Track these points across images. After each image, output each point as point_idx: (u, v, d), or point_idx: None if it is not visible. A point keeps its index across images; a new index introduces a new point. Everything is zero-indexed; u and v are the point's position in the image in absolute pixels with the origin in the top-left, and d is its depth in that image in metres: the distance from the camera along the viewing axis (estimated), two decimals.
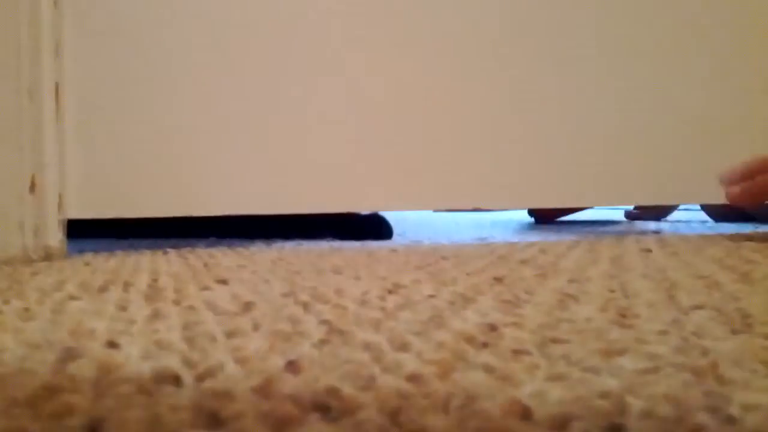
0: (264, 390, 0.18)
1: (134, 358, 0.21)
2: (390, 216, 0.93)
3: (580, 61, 0.78)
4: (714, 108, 0.79)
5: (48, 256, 0.63)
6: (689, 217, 1.62)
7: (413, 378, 0.19)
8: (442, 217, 1.75)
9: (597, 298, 0.33)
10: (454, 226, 1.27)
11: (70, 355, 0.22)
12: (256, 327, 0.27)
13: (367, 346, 0.23)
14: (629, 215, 1.49)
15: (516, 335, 0.25)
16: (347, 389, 0.18)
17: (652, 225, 1.27)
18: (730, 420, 0.16)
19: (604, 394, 0.17)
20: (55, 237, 0.64)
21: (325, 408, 0.17)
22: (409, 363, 0.21)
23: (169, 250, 0.70)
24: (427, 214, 1.95)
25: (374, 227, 0.90)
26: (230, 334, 0.25)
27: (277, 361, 0.21)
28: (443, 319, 0.28)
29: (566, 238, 0.83)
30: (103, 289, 0.39)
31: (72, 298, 0.36)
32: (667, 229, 1.07)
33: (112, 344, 0.24)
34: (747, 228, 1.01)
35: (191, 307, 0.32)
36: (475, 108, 0.77)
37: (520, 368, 0.20)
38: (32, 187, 0.63)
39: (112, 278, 0.44)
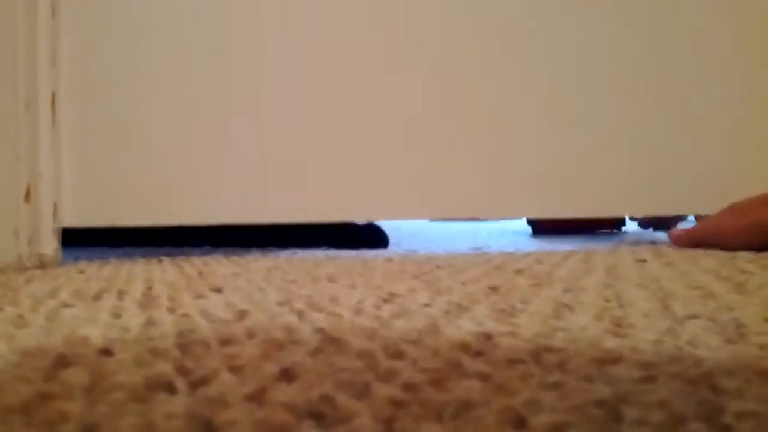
0: (258, 398, 0.18)
1: (128, 366, 0.21)
2: (385, 225, 0.93)
3: (578, 71, 0.78)
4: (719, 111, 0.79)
5: (42, 264, 0.63)
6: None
7: (408, 386, 0.19)
8: (438, 227, 1.75)
9: (592, 307, 0.33)
10: (450, 236, 1.27)
11: (63, 362, 0.22)
12: (250, 335, 0.27)
13: (362, 355, 0.23)
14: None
15: (511, 344, 0.25)
16: (342, 397, 0.18)
17: (647, 235, 1.27)
18: (725, 429, 0.16)
19: (599, 403, 0.17)
20: (50, 245, 0.64)
21: (320, 416, 0.17)
22: (404, 371, 0.21)
23: (163, 258, 0.70)
24: (423, 224, 1.95)
25: (370, 236, 0.90)
26: (224, 342, 0.25)
27: (272, 369, 0.21)
28: (438, 327, 0.28)
29: (562, 247, 0.83)
30: (97, 296, 0.39)
31: (66, 305, 0.35)
32: (662, 239, 1.07)
33: (106, 351, 0.23)
34: None
35: (185, 315, 0.32)
36: (470, 118, 0.77)
37: (514, 377, 0.20)
38: (27, 196, 0.63)
39: (106, 286, 0.44)
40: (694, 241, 0.73)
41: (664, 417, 0.16)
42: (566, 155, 0.78)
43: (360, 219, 0.84)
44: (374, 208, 0.78)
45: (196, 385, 0.19)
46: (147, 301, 0.37)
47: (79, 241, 0.78)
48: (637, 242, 0.94)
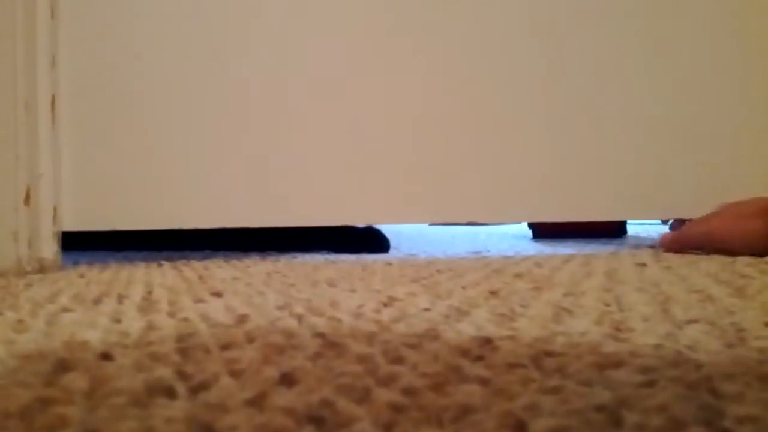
0: (258, 402, 0.18)
1: (128, 370, 0.21)
2: (385, 229, 0.93)
3: (579, 74, 0.78)
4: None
5: (42, 268, 0.63)
6: None
7: (408, 391, 0.19)
8: (438, 231, 1.75)
9: (592, 311, 0.33)
10: (450, 240, 1.27)
11: (63, 366, 0.22)
12: (250, 339, 0.27)
13: (362, 359, 0.23)
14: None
15: (511, 348, 0.25)
16: (342, 402, 0.18)
17: (647, 239, 1.27)
18: None
19: (599, 407, 0.17)
20: (50, 249, 0.64)
21: (320, 420, 0.17)
22: (404, 376, 0.21)
23: (163, 262, 0.70)
24: (423, 228, 1.95)
25: (370, 240, 0.90)
26: (225, 347, 0.25)
27: (272, 374, 0.21)
28: (438, 332, 0.28)
29: (562, 251, 0.83)
30: (97, 301, 0.39)
31: (66, 310, 0.35)
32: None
33: (106, 356, 0.23)
34: None
35: (186, 320, 0.32)
36: (471, 122, 0.77)
37: (514, 381, 0.20)
38: (27, 199, 0.63)
39: (106, 290, 0.44)
40: (684, 244, 0.73)
41: (664, 421, 0.16)
42: (567, 159, 0.78)
43: (360, 223, 0.85)
44: (374, 212, 0.78)
45: (196, 389, 0.19)
46: (147, 305, 0.37)
47: (79, 244, 0.78)
48: (637, 246, 0.94)
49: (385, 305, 0.36)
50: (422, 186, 0.77)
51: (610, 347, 0.25)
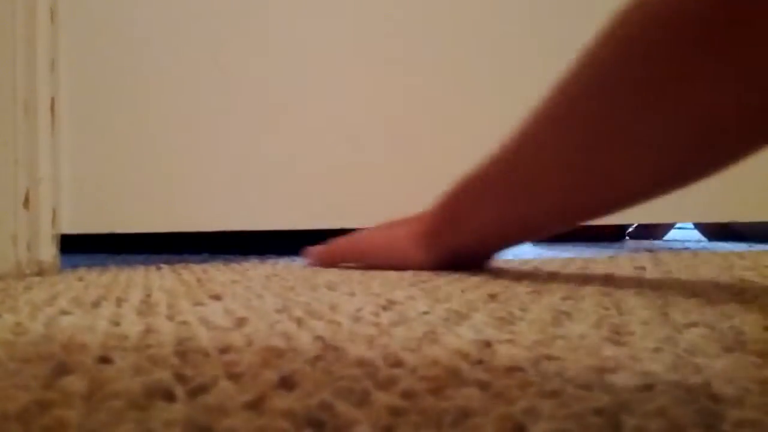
0: (257, 405, 0.18)
1: (127, 373, 0.21)
2: None
3: None
4: None
5: (41, 271, 0.63)
6: (684, 236, 1.62)
7: (407, 394, 0.19)
8: None
9: (591, 315, 0.33)
10: None
11: (62, 369, 0.22)
12: (249, 343, 0.27)
13: (361, 363, 0.23)
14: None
15: (510, 352, 0.25)
16: (341, 405, 0.18)
17: (645, 243, 1.28)
18: None
19: (598, 411, 0.17)
20: (49, 252, 0.64)
21: (319, 424, 0.17)
22: (403, 379, 0.21)
23: (162, 265, 0.69)
24: None
25: None
26: (223, 350, 0.25)
27: (271, 377, 0.21)
28: (437, 335, 0.28)
29: (561, 255, 0.83)
30: (96, 304, 0.39)
31: (65, 312, 0.35)
32: (661, 248, 1.07)
33: (104, 359, 0.23)
34: (741, 247, 1.01)
35: (184, 323, 0.32)
36: (468, 124, 0.78)
37: (513, 385, 0.20)
38: (26, 202, 0.63)
39: (105, 293, 0.44)
40: (333, 258, 0.68)
41: (663, 425, 0.16)
42: None
43: (359, 226, 0.84)
44: (373, 216, 0.78)
45: (195, 392, 0.19)
46: (146, 308, 0.37)
47: (78, 247, 0.78)
48: (636, 250, 0.94)
49: (385, 309, 0.36)
50: (421, 189, 0.77)
51: (609, 351, 0.25)
